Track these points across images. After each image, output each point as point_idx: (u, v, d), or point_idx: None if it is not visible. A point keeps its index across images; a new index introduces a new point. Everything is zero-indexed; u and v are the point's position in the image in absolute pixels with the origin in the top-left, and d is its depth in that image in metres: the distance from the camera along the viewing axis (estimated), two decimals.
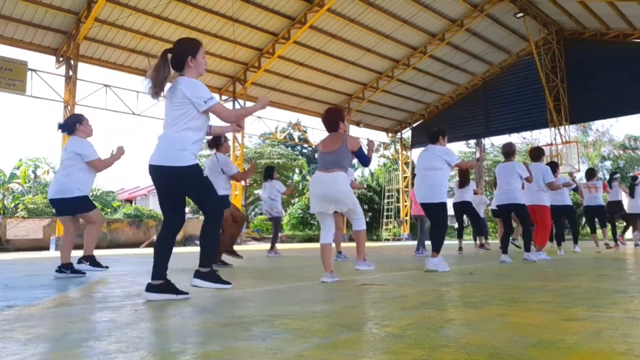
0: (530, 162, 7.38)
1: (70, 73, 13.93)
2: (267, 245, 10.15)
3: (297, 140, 27.10)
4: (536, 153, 7.45)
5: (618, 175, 10.94)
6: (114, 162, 4.96)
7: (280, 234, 17.98)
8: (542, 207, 7.11)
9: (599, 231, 9.93)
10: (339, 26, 16.81)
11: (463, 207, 9.27)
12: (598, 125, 36.28)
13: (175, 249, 3.29)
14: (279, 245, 9.57)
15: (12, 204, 20.60)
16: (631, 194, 10.73)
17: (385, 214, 24.67)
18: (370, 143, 4.57)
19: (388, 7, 16.50)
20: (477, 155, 28.07)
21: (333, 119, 4.40)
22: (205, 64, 3.28)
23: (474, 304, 2.75)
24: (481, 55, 20.37)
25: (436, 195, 5.26)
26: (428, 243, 6.45)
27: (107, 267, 5.11)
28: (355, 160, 4.44)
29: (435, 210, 5.33)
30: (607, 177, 11.73)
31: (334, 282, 4.04)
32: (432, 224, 5.52)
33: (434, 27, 18.25)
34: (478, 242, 10.28)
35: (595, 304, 2.69)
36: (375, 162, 45.17)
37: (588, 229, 10.35)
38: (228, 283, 3.30)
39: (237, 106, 18.40)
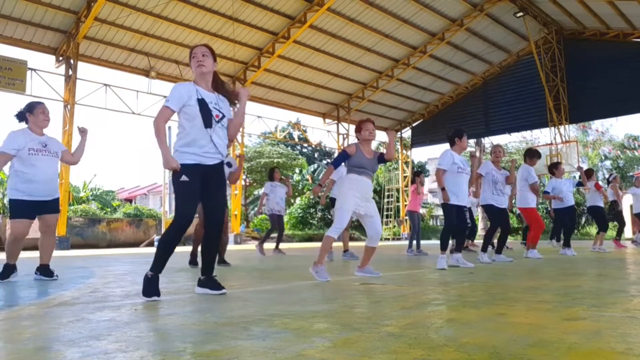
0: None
1: (70, 72, 13.91)
2: (268, 245, 10.22)
3: (296, 139, 27.07)
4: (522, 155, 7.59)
5: (614, 175, 10.83)
6: None
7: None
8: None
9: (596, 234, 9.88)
10: (339, 25, 16.80)
11: None
12: (598, 124, 36.31)
13: (177, 249, 3.29)
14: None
15: None
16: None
17: (385, 213, 24.68)
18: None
19: (388, 6, 16.49)
20: (477, 154, 28.04)
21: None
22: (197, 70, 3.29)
23: (474, 303, 2.75)
24: (481, 55, 20.36)
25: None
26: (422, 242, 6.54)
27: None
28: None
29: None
30: (608, 176, 11.65)
31: (330, 282, 4.08)
32: None
33: (433, 26, 18.24)
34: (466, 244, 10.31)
35: (595, 303, 2.69)
36: None
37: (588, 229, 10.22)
38: None
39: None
